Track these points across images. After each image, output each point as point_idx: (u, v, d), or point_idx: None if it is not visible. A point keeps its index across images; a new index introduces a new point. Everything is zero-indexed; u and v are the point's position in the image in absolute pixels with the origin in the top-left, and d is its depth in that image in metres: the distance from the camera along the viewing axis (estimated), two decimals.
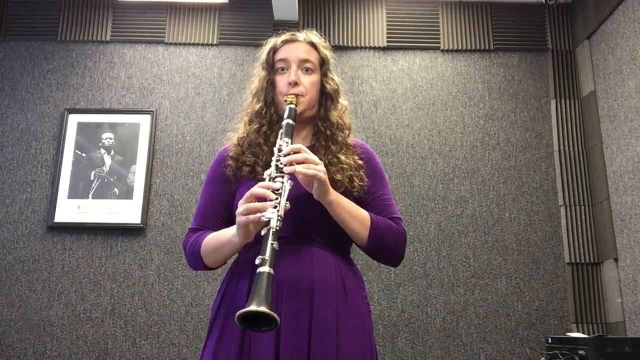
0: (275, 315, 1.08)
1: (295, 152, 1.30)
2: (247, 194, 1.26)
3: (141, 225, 3.33)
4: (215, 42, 3.68)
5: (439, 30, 3.72)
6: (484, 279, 3.32)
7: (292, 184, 1.28)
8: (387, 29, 3.71)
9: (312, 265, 1.34)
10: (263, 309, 1.07)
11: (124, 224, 3.34)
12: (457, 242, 3.38)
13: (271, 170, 1.30)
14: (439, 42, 3.71)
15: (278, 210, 1.22)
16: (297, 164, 1.28)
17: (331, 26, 3.71)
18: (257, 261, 1.16)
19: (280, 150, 1.34)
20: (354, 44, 3.68)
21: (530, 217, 3.42)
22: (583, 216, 3.39)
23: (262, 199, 1.24)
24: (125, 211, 3.35)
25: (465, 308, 3.27)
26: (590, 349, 2.46)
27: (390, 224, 1.41)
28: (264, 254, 1.16)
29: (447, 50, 3.71)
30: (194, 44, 3.69)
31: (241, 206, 1.25)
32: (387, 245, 1.40)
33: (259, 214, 1.22)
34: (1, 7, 3.69)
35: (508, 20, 3.74)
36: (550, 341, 2.74)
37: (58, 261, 3.29)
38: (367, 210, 1.42)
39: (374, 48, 3.70)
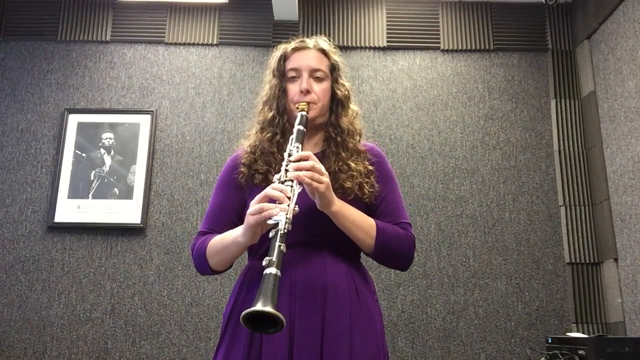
0: (282, 316, 1.08)
1: (303, 159, 1.31)
2: (261, 194, 1.27)
3: (141, 225, 3.33)
4: (215, 42, 3.68)
5: (439, 30, 3.72)
6: (484, 279, 3.32)
7: (302, 188, 1.30)
8: (387, 29, 3.71)
9: (324, 268, 1.36)
10: (269, 309, 1.07)
11: (124, 224, 3.34)
12: (457, 242, 3.38)
13: (281, 175, 1.32)
14: (439, 42, 3.71)
15: (287, 214, 1.23)
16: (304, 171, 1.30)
17: (331, 26, 3.71)
18: (264, 262, 1.17)
19: (290, 155, 1.35)
20: (354, 44, 3.68)
21: (530, 217, 3.42)
22: (583, 216, 3.39)
23: (273, 200, 1.26)
24: (125, 211, 3.35)
25: (465, 308, 3.27)
26: (590, 349, 2.46)
27: (397, 231, 1.42)
28: (272, 256, 1.17)
29: (447, 50, 3.71)
30: (194, 44, 3.69)
31: (253, 206, 1.26)
32: (393, 252, 1.41)
33: (269, 213, 1.23)
34: (1, 7, 3.69)
35: (508, 20, 3.75)
36: (550, 341, 2.74)
37: (58, 261, 3.29)
38: (377, 216, 1.44)
39: (374, 48, 3.70)
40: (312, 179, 1.28)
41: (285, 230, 1.21)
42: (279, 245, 1.19)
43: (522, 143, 3.55)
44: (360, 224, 1.37)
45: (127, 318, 3.21)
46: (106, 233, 3.34)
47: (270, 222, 1.23)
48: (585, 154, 3.50)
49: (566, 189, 3.44)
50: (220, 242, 1.39)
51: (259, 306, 1.08)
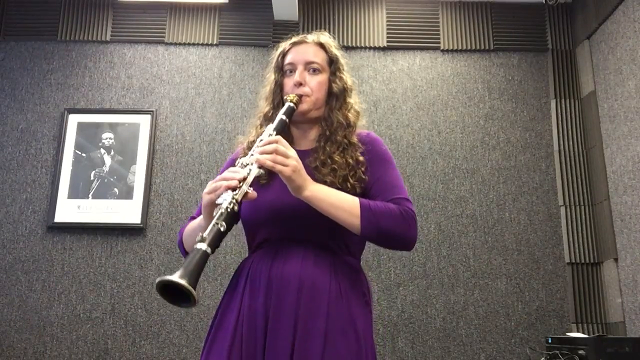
0: (194, 293, 1.04)
1: (271, 143, 1.29)
2: (218, 176, 1.28)
3: (141, 225, 3.33)
4: (215, 42, 3.68)
5: (439, 30, 3.72)
6: (484, 279, 3.32)
7: (262, 172, 1.28)
8: (387, 29, 3.71)
9: (304, 265, 1.33)
10: (183, 282, 1.04)
11: (124, 224, 3.34)
12: (457, 242, 3.38)
13: (245, 159, 1.31)
14: (439, 42, 3.71)
15: (235, 194, 1.21)
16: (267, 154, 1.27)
17: (331, 26, 3.71)
18: (197, 238, 1.15)
19: (261, 141, 1.34)
20: (354, 44, 3.68)
21: (530, 217, 3.42)
22: (583, 216, 3.39)
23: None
24: (125, 211, 3.35)
25: (465, 308, 3.27)
26: (590, 349, 2.46)
27: (388, 207, 1.34)
28: (205, 232, 1.15)
29: (447, 50, 3.71)
30: (194, 44, 3.69)
31: (208, 186, 1.27)
32: (387, 230, 1.32)
33: (217, 193, 1.23)
34: (1, 7, 3.69)
35: (508, 20, 3.75)
36: (550, 341, 2.74)
37: (58, 261, 3.29)
38: (370, 198, 1.38)
39: (374, 48, 3.70)
40: (275, 162, 1.25)
41: (228, 210, 1.19)
42: (216, 224, 1.16)
43: (522, 143, 3.55)
44: (341, 204, 1.31)
45: (127, 318, 3.21)
46: (106, 233, 3.34)
47: (217, 201, 1.22)
48: (585, 154, 3.50)
49: (566, 189, 3.44)
50: (191, 226, 1.43)
51: (174, 277, 1.05)
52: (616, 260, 3.15)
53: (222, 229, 1.17)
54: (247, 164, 1.28)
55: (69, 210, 3.35)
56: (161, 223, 3.37)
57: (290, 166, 1.26)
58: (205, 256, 1.12)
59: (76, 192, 3.38)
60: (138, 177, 3.41)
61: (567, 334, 3.01)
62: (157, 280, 1.06)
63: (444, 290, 3.29)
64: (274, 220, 1.37)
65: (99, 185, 3.40)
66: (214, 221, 1.17)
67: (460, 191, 3.46)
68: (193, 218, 1.48)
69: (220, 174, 1.52)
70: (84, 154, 3.45)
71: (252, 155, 1.30)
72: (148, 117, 3.52)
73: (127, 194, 3.39)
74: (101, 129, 3.49)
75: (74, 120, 3.51)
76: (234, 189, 1.22)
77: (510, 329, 3.24)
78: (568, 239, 3.36)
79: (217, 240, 1.16)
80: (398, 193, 1.39)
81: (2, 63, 3.62)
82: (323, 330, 1.27)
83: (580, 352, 2.49)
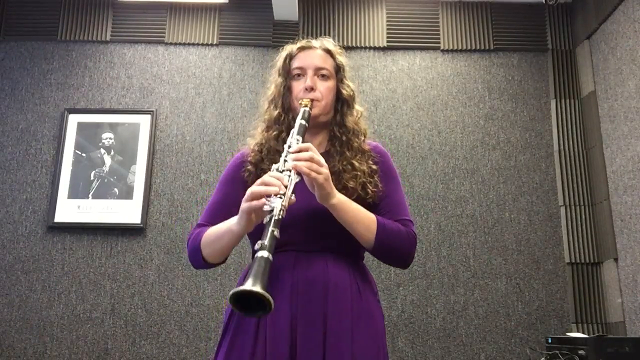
0: (270, 298, 1.07)
1: (303, 150, 1.31)
2: (258, 181, 1.27)
3: (141, 225, 3.33)
4: (215, 42, 3.68)
5: (439, 30, 3.72)
6: (484, 279, 3.32)
7: (300, 178, 1.29)
8: (387, 29, 3.71)
9: (326, 269, 1.36)
10: (257, 288, 1.06)
11: (124, 224, 3.34)
12: (457, 242, 3.38)
13: (279, 165, 1.32)
14: (439, 42, 3.71)
15: (283, 200, 1.22)
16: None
17: (331, 26, 3.71)
18: (256, 246, 1.16)
19: (290, 147, 1.35)
20: (354, 44, 3.68)
21: (530, 217, 3.42)
22: (583, 216, 3.39)
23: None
24: (125, 211, 3.35)
25: (465, 308, 3.27)
26: (590, 349, 2.46)
27: (398, 227, 1.41)
28: (264, 240, 1.17)
29: (447, 50, 3.71)
30: (194, 44, 3.69)
31: (248, 192, 1.26)
32: (394, 249, 1.40)
33: (263, 200, 1.23)
34: (1, 7, 3.69)
35: (508, 20, 3.74)
36: (550, 341, 2.74)
37: (58, 261, 3.29)
38: (378, 213, 1.43)
39: (374, 48, 3.70)
40: (311, 169, 1.28)
41: (280, 217, 1.20)
42: (272, 231, 1.18)
43: (522, 143, 3.55)
44: (361, 218, 1.36)
45: (127, 318, 3.21)
46: (106, 233, 3.34)
47: (265, 208, 1.22)
48: (585, 154, 3.50)
49: (566, 189, 3.44)
50: (215, 231, 1.39)
51: (247, 285, 1.06)
52: (616, 260, 3.15)
53: (277, 235, 1.19)
54: (283, 170, 1.29)
55: (69, 210, 3.35)
56: (161, 223, 3.37)
57: (324, 174, 1.29)
58: (269, 263, 1.15)
59: (76, 192, 3.38)
60: (138, 177, 3.41)
61: (567, 334, 3.01)
62: (233, 292, 1.08)
63: (444, 290, 3.29)
64: (298, 223, 1.38)
65: (99, 185, 3.40)
66: (270, 228, 1.19)
67: (460, 191, 3.46)
68: (201, 225, 1.46)
69: (228, 176, 1.52)
70: (84, 154, 3.45)
71: (285, 161, 1.31)
72: (148, 117, 3.52)
73: (127, 194, 3.39)
74: (101, 129, 3.49)
75: (74, 120, 3.50)
76: (280, 195, 1.23)
77: (510, 329, 3.24)
78: (568, 239, 3.36)
79: (274, 247, 1.18)
80: (405, 214, 1.47)
81: (2, 63, 3.62)
82: (350, 329, 1.31)
83: (580, 352, 2.49)
